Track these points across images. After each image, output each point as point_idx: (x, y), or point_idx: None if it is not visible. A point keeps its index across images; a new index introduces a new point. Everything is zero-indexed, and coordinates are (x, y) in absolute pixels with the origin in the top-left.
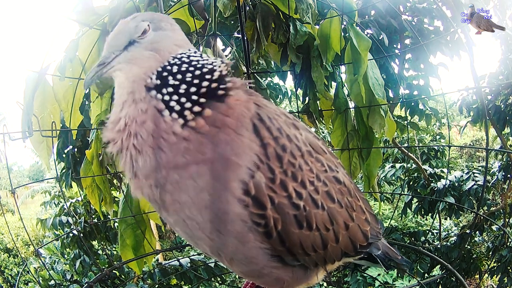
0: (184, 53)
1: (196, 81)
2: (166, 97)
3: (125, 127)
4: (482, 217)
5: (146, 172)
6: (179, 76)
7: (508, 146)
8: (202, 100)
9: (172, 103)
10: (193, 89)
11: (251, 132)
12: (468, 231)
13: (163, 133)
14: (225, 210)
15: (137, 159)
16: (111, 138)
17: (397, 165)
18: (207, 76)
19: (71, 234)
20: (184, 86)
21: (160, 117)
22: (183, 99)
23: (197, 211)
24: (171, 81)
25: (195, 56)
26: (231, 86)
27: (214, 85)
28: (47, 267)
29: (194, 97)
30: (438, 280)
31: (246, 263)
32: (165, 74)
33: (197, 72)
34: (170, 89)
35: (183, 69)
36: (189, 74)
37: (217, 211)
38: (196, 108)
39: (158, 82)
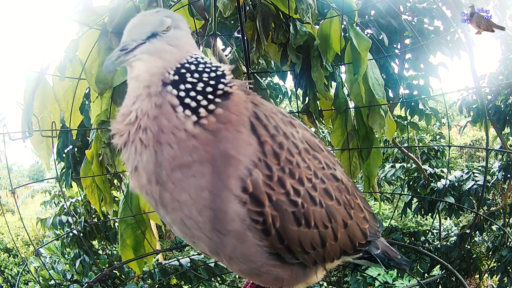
0: (198, 56)
1: (212, 82)
2: (182, 93)
3: (136, 120)
4: (482, 217)
5: (149, 167)
6: (196, 75)
7: (508, 146)
8: (218, 100)
9: (187, 100)
10: (209, 89)
11: (248, 130)
12: (468, 231)
13: (174, 129)
14: (224, 209)
15: (142, 153)
16: (118, 130)
17: (397, 165)
18: (222, 80)
19: (71, 234)
20: (201, 85)
21: (173, 113)
22: (199, 97)
23: (197, 210)
24: (189, 78)
25: (207, 60)
26: (235, 86)
27: (226, 88)
28: (47, 267)
29: (211, 96)
30: (438, 280)
31: (245, 262)
32: (183, 71)
33: (213, 74)
34: (188, 86)
35: (200, 68)
36: (206, 75)
37: (216, 210)
38: (211, 106)
39: (176, 77)
